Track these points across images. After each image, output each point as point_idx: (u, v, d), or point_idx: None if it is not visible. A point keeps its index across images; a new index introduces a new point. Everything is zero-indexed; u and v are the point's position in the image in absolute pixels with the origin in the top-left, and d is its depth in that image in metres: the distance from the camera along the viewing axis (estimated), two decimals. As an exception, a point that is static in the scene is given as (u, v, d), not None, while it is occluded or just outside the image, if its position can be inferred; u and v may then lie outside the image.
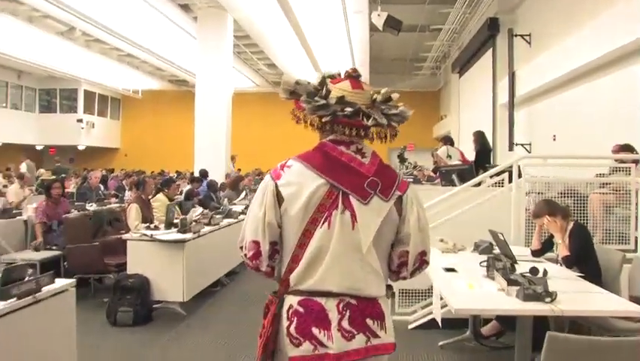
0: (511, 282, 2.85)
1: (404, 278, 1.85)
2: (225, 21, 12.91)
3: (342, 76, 1.83)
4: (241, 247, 1.80)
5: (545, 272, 2.96)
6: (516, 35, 10.32)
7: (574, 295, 2.87)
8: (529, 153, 10.31)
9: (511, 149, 10.32)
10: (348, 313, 1.66)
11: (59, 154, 23.92)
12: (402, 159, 10.85)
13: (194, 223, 5.45)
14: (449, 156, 7.52)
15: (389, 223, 1.74)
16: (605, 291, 3.07)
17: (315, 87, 1.77)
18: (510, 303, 2.73)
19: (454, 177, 5.51)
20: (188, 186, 9.27)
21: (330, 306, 1.67)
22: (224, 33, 12.96)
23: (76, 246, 5.53)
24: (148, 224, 5.53)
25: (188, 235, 5.20)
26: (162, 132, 23.72)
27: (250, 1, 11.74)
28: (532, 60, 9.77)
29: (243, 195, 8.63)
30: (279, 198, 1.72)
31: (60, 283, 2.98)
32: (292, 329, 1.68)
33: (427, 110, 23.06)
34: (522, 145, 10.25)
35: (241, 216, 6.95)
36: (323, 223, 1.68)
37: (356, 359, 1.66)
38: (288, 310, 1.70)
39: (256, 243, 1.74)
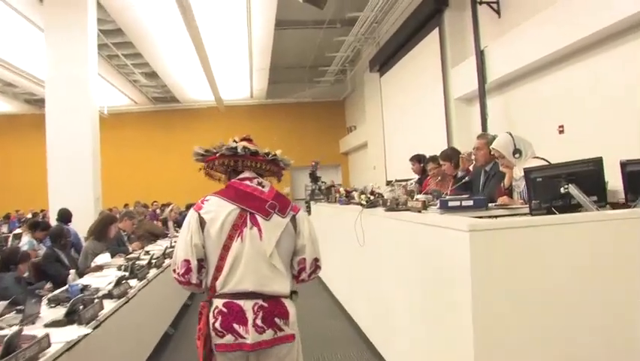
0: None
1: (303, 281, 2.48)
2: (85, 4, 9.30)
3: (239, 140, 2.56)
4: (174, 270, 2.37)
5: None
6: (481, 3, 7.95)
7: None
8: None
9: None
10: (261, 314, 2.28)
11: None
12: (314, 178, 9.93)
13: None
14: (517, 152, 3.81)
15: (288, 235, 2.41)
16: None
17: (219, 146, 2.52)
18: None
19: (570, 188, 2.64)
20: (25, 240, 5.56)
21: (248, 307, 2.27)
22: (82, 20, 9.25)
23: None
24: None
25: None
26: (23, 166, 18.56)
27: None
28: (504, 35, 7.48)
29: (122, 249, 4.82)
30: (201, 224, 2.34)
31: None
32: (217, 324, 2.27)
33: (332, 123, 20.81)
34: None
35: (108, 307, 3.42)
36: (237, 238, 2.31)
37: (265, 347, 2.29)
38: (214, 311, 2.29)
39: (187, 261, 2.32)
